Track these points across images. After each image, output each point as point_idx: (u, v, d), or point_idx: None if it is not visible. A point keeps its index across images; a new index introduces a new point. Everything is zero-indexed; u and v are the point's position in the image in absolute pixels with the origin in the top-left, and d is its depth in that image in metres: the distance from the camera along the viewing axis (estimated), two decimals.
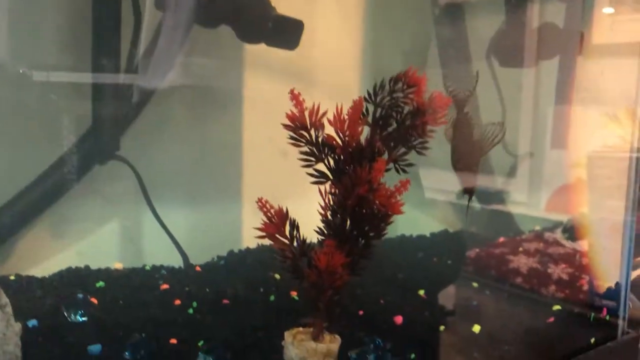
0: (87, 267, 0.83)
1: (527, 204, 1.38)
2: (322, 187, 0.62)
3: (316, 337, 0.62)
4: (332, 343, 0.62)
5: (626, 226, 0.82)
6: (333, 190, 0.62)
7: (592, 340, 0.70)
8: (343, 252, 0.61)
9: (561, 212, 1.24)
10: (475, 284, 0.87)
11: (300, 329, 0.64)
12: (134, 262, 0.87)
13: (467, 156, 0.86)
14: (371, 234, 0.63)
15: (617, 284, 0.79)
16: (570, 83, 1.19)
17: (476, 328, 0.71)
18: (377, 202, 0.61)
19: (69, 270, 0.82)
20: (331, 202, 0.62)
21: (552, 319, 0.77)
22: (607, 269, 0.85)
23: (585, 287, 0.84)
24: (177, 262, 0.89)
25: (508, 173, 1.36)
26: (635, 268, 1.09)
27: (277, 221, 0.61)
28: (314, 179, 0.62)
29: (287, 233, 0.62)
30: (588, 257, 0.96)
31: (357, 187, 0.60)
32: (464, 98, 0.87)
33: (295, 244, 0.62)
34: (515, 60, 1.08)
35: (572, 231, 1.11)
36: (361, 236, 0.63)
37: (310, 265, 0.61)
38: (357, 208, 0.61)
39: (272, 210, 0.61)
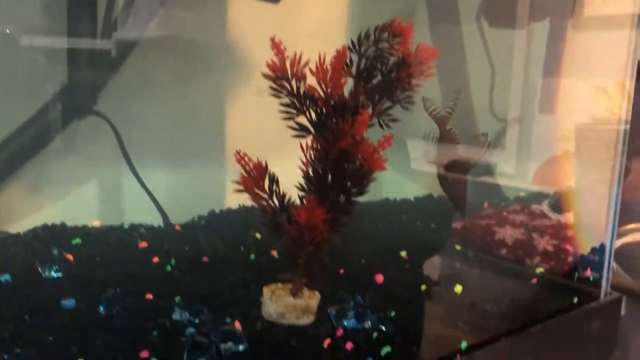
0: (63, 224, 0.81)
1: (515, 176, 1.37)
2: (303, 141, 0.61)
3: (295, 293, 0.61)
4: (311, 299, 0.61)
5: (612, 190, 0.81)
6: (314, 145, 0.61)
7: (575, 300, 0.70)
8: (324, 208, 0.59)
9: (548, 185, 1.24)
10: (458, 247, 0.86)
11: (279, 285, 0.63)
12: (113, 221, 0.85)
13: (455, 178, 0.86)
14: (353, 190, 0.62)
15: (601, 244, 0.79)
16: (561, 50, 1.18)
17: (458, 288, 0.70)
18: (359, 156, 0.59)
19: (44, 227, 0.80)
20: (312, 157, 0.61)
21: (535, 280, 0.76)
22: (592, 241, 0.85)
23: (570, 259, 0.83)
24: (157, 221, 0.88)
25: (496, 144, 1.36)
26: (619, 237, 1.09)
27: (256, 175, 0.59)
28: (295, 133, 0.60)
29: (267, 187, 0.60)
30: (573, 229, 0.95)
31: (339, 141, 0.59)
32: (446, 116, 0.87)
33: (275, 199, 0.61)
34: (506, 21, 1.06)
35: (558, 203, 1.11)
36: (343, 192, 0.62)
37: (290, 221, 0.60)
38: (339, 163, 0.60)
39: (250, 164, 0.59)
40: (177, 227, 0.85)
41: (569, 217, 1.02)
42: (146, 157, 0.91)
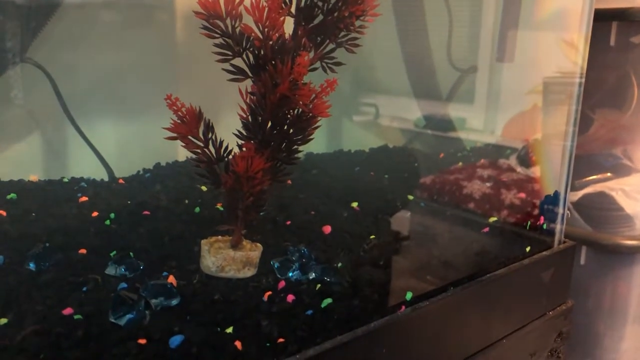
0: None
1: (483, 131, 1.36)
2: (240, 86, 0.57)
3: (235, 245, 0.59)
4: (252, 251, 0.58)
5: (567, 137, 0.80)
6: (253, 89, 0.58)
7: (528, 248, 0.68)
8: (263, 157, 0.56)
9: (516, 139, 1.23)
10: (410, 197, 0.84)
11: (219, 237, 0.60)
12: (54, 176, 0.81)
13: None
14: (295, 138, 0.59)
15: (555, 192, 0.77)
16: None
17: (407, 238, 0.68)
18: (300, 102, 0.56)
19: None
20: (251, 103, 0.57)
21: (486, 229, 0.74)
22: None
23: (535, 211, 0.82)
24: (102, 176, 0.84)
25: (463, 98, 1.33)
26: (581, 188, 1.09)
27: (189, 121, 0.56)
28: (231, 76, 0.56)
29: (201, 135, 0.57)
30: (539, 182, 0.95)
31: (279, 85, 0.55)
32: None
33: (211, 147, 0.58)
34: None
35: (526, 158, 1.10)
36: (284, 140, 0.58)
37: (228, 170, 0.57)
38: (279, 109, 0.56)
39: (183, 109, 0.55)
40: (121, 181, 0.82)
41: (536, 171, 1.01)
42: (90, 110, 0.87)
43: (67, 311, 0.48)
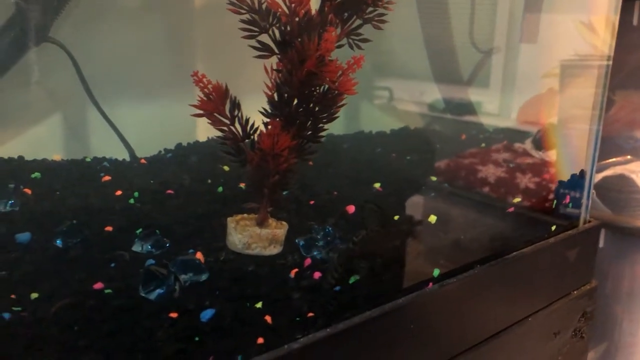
0: (20, 158, 0.77)
1: (499, 115, 1.35)
2: (266, 63, 0.57)
3: (261, 223, 0.59)
4: (278, 229, 0.58)
5: (595, 116, 0.79)
6: (279, 66, 0.57)
7: (553, 227, 0.68)
8: (289, 134, 0.56)
9: (532, 123, 1.22)
10: (433, 178, 0.84)
11: (245, 215, 0.60)
12: (76, 155, 0.81)
13: None
14: (321, 116, 0.58)
15: (581, 171, 0.76)
16: None
17: (432, 218, 0.68)
18: (327, 78, 0.56)
19: (0, 160, 0.76)
20: (277, 80, 0.57)
21: (511, 209, 0.74)
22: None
23: (551, 196, 0.82)
24: (123, 155, 0.84)
25: (480, 81, 1.32)
26: (600, 170, 1.08)
27: (216, 98, 0.56)
28: (257, 53, 0.56)
29: (228, 112, 0.57)
30: (555, 166, 0.94)
31: (305, 61, 0.55)
32: None
33: (237, 125, 0.57)
34: None
35: (541, 142, 1.09)
36: (310, 118, 0.58)
37: (254, 148, 0.57)
38: (305, 86, 0.56)
39: (209, 86, 0.55)
40: (143, 161, 0.82)
41: (551, 155, 1.01)
42: (111, 90, 0.87)
43: (98, 286, 0.49)
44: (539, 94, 1.26)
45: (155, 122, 0.92)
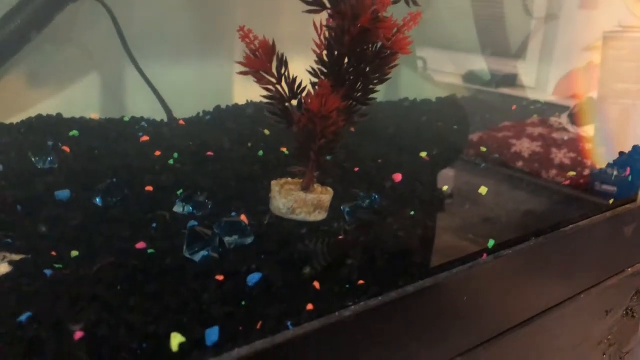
0: (59, 115, 0.76)
1: (535, 88, 1.31)
2: (316, 20, 0.54)
3: (306, 188, 0.56)
4: (323, 195, 0.56)
5: None
6: (330, 22, 0.54)
7: (611, 201, 0.65)
8: (339, 95, 0.53)
9: (569, 98, 1.18)
10: (483, 149, 0.80)
11: (289, 179, 0.58)
12: (113, 114, 0.80)
13: None
14: (372, 77, 0.55)
15: (635, 147, 0.72)
16: None
17: (483, 190, 0.65)
18: (382, 35, 0.53)
19: (39, 118, 0.75)
20: (327, 37, 0.54)
21: (567, 182, 0.71)
22: (612, 152, 0.79)
23: (587, 172, 0.78)
24: (160, 116, 0.82)
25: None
26: None
27: (262, 55, 0.53)
28: (306, 8, 0.53)
29: (274, 70, 0.54)
30: (592, 142, 0.90)
31: (359, 17, 0.52)
32: None
33: (284, 84, 0.55)
34: None
35: (578, 116, 1.05)
36: (360, 78, 0.55)
37: (301, 109, 0.54)
38: (358, 44, 0.53)
39: (256, 42, 0.53)
40: (181, 122, 0.80)
41: (588, 130, 0.97)
42: (149, 51, 0.85)
43: (140, 245, 0.47)
44: (578, 67, 1.22)
45: (194, 84, 0.90)
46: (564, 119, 1.05)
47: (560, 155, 0.86)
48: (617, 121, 0.93)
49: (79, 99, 0.82)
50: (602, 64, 0.98)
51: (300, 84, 0.54)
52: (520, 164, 0.85)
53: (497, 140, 0.89)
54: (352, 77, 0.54)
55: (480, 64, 1.24)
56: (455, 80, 1.22)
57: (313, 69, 0.54)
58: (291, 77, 0.54)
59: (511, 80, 1.28)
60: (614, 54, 0.97)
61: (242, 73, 0.53)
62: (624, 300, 0.67)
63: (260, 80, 0.54)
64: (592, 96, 1.03)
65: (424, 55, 1.21)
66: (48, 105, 0.80)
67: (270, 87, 0.54)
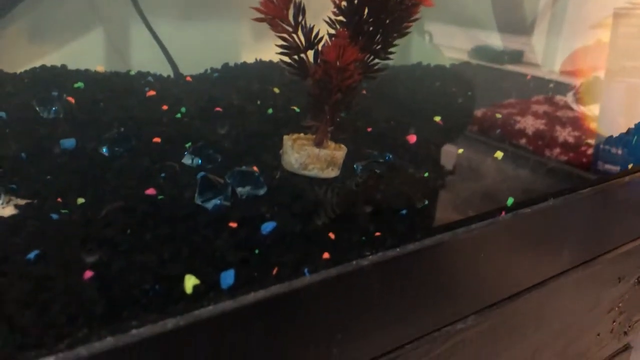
0: (63, 67, 0.74)
1: (541, 66, 1.29)
2: None
3: (319, 143, 0.55)
4: (336, 151, 0.54)
5: None
6: None
7: (630, 166, 0.63)
8: (357, 47, 0.52)
9: (576, 75, 1.16)
10: (499, 115, 0.79)
11: (302, 135, 0.57)
12: (119, 68, 0.78)
13: None
14: (392, 29, 0.53)
15: None
16: None
17: (498, 154, 0.63)
18: None
19: (43, 68, 0.73)
20: None
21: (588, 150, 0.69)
22: (616, 130, 0.78)
23: (590, 151, 0.77)
24: (166, 71, 0.80)
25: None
26: None
27: (279, 2, 0.51)
28: None
29: (291, 18, 0.52)
30: (597, 121, 0.89)
31: None
32: None
33: (300, 33, 0.53)
34: None
35: (584, 95, 1.04)
36: (380, 30, 0.53)
37: (317, 59, 0.53)
38: None
39: None
40: (188, 78, 0.78)
41: (593, 109, 0.96)
42: (157, 6, 0.83)
43: (150, 191, 0.46)
44: (585, 45, 1.20)
45: (202, 41, 0.88)
46: (569, 97, 1.03)
47: (564, 134, 0.85)
48: (624, 100, 0.92)
49: (84, 52, 0.80)
50: (611, 42, 0.96)
51: (317, 34, 0.52)
52: (523, 140, 0.84)
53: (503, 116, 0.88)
54: (371, 29, 0.52)
55: (488, 39, 1.22)
56: (462, 56, 1.20)
57: (330, 19, 0.52)
58: (308, 26, 0.53)
59: (518, 56, 1.27)
60: (623, 31, 0.96)
61: (257, 19, 0.51)
62: (636, 269, 0.66)
63: (275, 28, 0.52)
64: (598, 75, 1.02)
65: (431, 28, 1.19)
66: (53, 57, 0.78)
67: (286, 35, 0.52)
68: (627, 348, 0.74)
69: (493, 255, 0.48)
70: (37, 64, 0.75)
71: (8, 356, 0.27)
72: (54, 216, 0.42)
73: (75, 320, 0.30)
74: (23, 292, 0.32)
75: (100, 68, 0.76)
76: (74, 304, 0.32)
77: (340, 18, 0.52)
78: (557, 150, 0.80)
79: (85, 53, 0.80)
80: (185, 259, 0.37)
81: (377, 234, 0.43)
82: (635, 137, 0.66)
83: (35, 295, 0.32)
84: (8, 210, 0.43)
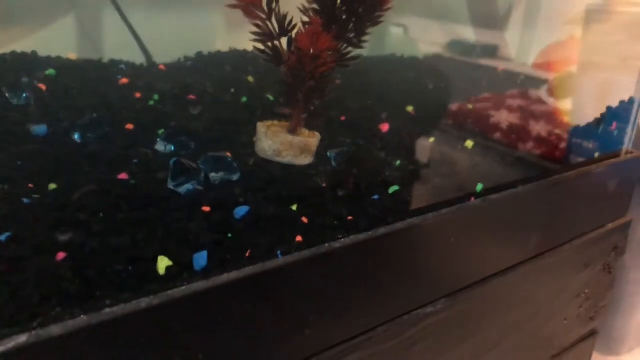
0: (34, 53, 0.73)
1: (516, 60, 1.31)
2: None
3: (293, 130, 0.55)
4: (310, 138, 0.55)
5: None
6: None
7: (596, 154, 0.65)
8: (330, 35, 0.52)
9: (549, 70, 1.18)
10: (470, 106, 0.80)
11: (276, 122, 0.57)
12: (90, 56, 0.77)
13: None
14: (365, 18, 0.54)
15: (631, 99, 0.71)
16: None
17: (469, 143, 0.65)
18: None
19: (13, 54, 0.72)
20: None
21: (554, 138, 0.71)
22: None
23: (563, 145, 0.78)
24: (138, 60, 0.80)
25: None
26: None
27: None
28: None
29: (265, 6, 0.52)
30: (569, 115, 0.91)
31: None
32: None
33: (274, 20, 0.53)
34: None
35: (557, 90, 1.06)
36: (353, 19, 0.54)
37: (291, 47, 0.53)
38: None
39: None
40: (162, 67, 0.77)
41: (566, 103, 0.98)
42: None
43: (123, 176, 0.46)
44: (559, 40, 1.22)
45: (175, 30, 0.87)
46: (542, 92, 1.05)
47: (538, 128, 0.86)
48: (596, 95, 0.94)
49: (55, 39, 0.79)
50: (584, 38, 0.98)
51: (291, 21, 0.53)
52: (498, 134, 0.86)
53: (476, 111, 0.89)
54: (344, 17, 0.53)
55: (462, 34, 1.23)
56: (437, 49, 1.21)
57: (304, 6, 0.53)
58: (282, 13, 0.53)
59: (492, 51, 1.28)
60: (596, 28, 0.98)
61: (231, 6, 0.51)
62: (603, 256, 0.68)
63: (249, 14, 0.52)
64: (572, 70, 1.04)
65: (405, 22, 1.20)
66: (23, 44, 0.77)
67: (260, 22, 0.52)
68: (593, 333, 0.76)
69: (463, 241, 0.49)
70: (7, 50, 0.73)
71: None
72: (26, 200, 0.42)
73: (48, 300, 0.31)
74: None
75: (72, 55, 0.75)
76: (47, 284, 0.32)
77: (314, 6, 0.52)
78: (531, 143, 0.82)
79: (56, 40, 0.79)
80: (159, 242, 0.37)
81: (350, 218, 0.44)
82: (602, 126, 0.68)
83: (7, 276, 0.32)
84: None
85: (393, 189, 0.49)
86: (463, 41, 1.22)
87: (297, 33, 0.52)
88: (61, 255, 0.34)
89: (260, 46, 0.53)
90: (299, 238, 0.40)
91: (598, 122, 0.71)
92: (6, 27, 0.77)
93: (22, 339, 0.27)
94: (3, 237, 0.35)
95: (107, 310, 0.30)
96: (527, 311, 0.61)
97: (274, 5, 0.52)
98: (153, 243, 0.37)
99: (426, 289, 0.49)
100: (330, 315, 0.41)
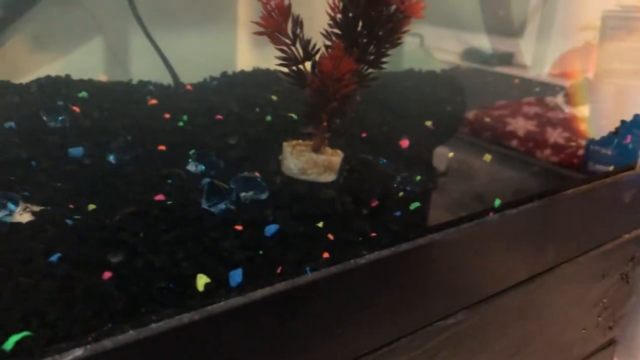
0: (67, 77, 0.76)
1: (532, 68, 1.32)
2: None
3: (317, 149, 0.58)
4: (333, 156, 0.58)
5: None
6: None
7: (611, 167, 0.67)
8: (352, 58, 0.55)
9: (565, 77, 1.19)
10: (488, 119, 0.82)
11: (300, 141, 0.60)
12: (119, 77, 0.80)
13: None
14: (385, 40, 0.57)
15: (636, 115, 0.73)
16: None
17: (487, 157, 0.66)
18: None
19: (47, 78, 0.75)
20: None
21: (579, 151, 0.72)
22: (605, 132, 0.81)
23: (581, 152, 0.80)
24: (165, 81, 0.83)
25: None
26: None
27: (278, 16, 0.54)
28: None
29: (290, 32, 0.55)
30: (587, 122, 0.92)
31: None
32: None
33: (298, 45, 0.56)
34: None
35: (573, 96, 1.07)
36: (373, 42, 0.57)
37: (315, 70, 0.56)
38: (372, 6, 0.54)
39: (272, 3, 0.53)
40: (189, 87, 0.81)
41: (583, 110, 0.98)
42: (156, 15, 0.85)
43: (159, 197, 0.49)
44: (575, 47, 1.23)
45: (200, 50, 0.91)
46: (559, 99, 1.06)
47: (555, 135, 0.87)
48: (613, 101, 0.95)
49: (86, 62, 0.82)
50: (600, 44, 0.99)
51: (314, 46, 0.55)
52: (514, 142, 0.87)
53: (493, 118, 0.91)
54: (365, 40, 0.55)
55: (478, 42, 1.25)
56: (452, 58, 1.23)
57: (327, 31, 0.55)
58: (305, 38, 0.55)
59: (508, 58, 1.30)
60: (611, 34, 0.99)
61: (258, 33, 0.54)
62: (620, 266, 0.69)
63: (275, 41, 0.55)
64: (588, 76, 1.05)
65: (421, 32, 1.22)
66: (55, 67, 0.80)
67: (285, 47, 0.55)
68: (611, 342, 0.77)
69: (482, 254, 0.51)
70: (41, 74, 0.77)
71: (41, 349, 0.30)
72: (69, 222, 0.44)
73: (99, 315, 0.33)
74: (50, 291, 0.35)
75: (103, 77, 0.78)
76: (96, 301, 0.34)
77: (336, 30, 0.55)
78: (548, 151, 0.83)
79: (86, 62, 0.82)
80: (197, 259, 0.40)
81: (373, 234, 0.46)
82: (616, 140, 0.69)
83: (61, 293, 0.35)
84: (26, 217, 0.45)
85: (414, 205, 0.51)
86: (479, 49, 1.23)
87: (320, 56, 0.55)
88: (107, 275, 0.37)
89: (285, 69, 0.56)
90: (326, 255, 0.42)
91: (617, 131, 0.73)
92: (38, 52, 0.81)
93: (79, 352, 0.30)
94: (54, 258, 0.38)
95: (153, 325, 0.32)
96: (546, 321, 0.63)
97: (298, 31, 0.55)
98: (191, 261, 0.39)
99: (447, 301, 0.51)
100: (355, 327, 0.44)
